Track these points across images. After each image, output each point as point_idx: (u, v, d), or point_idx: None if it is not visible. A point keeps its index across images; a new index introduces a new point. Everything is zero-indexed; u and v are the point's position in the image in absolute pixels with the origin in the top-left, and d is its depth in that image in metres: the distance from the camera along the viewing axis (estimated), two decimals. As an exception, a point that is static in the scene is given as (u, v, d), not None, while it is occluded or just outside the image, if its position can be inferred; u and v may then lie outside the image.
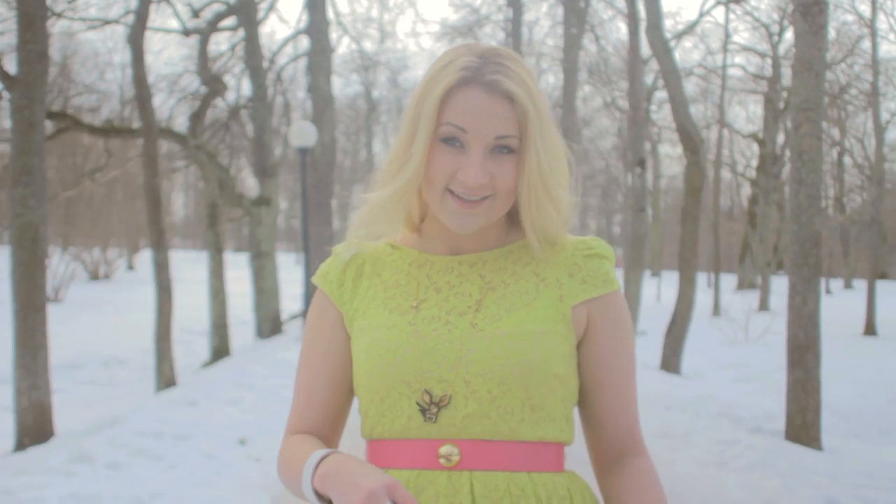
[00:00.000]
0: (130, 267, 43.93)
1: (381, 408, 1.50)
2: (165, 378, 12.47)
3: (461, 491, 1.42)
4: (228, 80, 19.92)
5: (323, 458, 1.36)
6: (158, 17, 18.98)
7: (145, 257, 49.01)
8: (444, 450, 1.45)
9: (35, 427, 8.01)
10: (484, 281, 1.53)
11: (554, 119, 1.56)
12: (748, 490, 5.55)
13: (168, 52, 49.83)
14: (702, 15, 26.51)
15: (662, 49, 12.48)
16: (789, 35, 25.90)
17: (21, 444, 7.95)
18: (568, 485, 1.49)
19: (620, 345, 1.57)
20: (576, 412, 1.59)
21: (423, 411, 1.46)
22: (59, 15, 14.59)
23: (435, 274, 1.56)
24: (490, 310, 1.51)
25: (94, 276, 36.05)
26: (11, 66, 8.78)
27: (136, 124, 24.09)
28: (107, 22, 16.62)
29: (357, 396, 1.57)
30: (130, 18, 14.61)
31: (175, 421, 7.21)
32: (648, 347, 15.99)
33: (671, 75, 12.48)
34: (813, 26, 7.82)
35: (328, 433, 1.58)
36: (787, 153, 23.10)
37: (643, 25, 14.10)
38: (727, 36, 26.84)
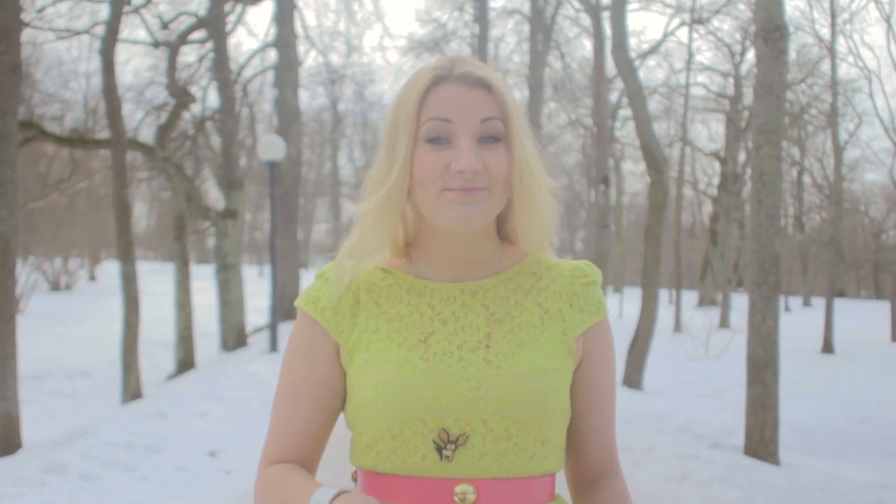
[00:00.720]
0: (92, 277, 43.65)
1: (392, 444, 1.45)
2: (132, 390, 12.49)
3: None
4: (195, 90, 19.94)
5: (336, 496, 1.32)
6: (127, 27, 18.92)
7: (107, 268, 48.69)
8: (459, 489, 1.43)
9: (3, 438, 8.02)
10: (489, 312, 1.51)
11: (531, 131, 1.56)
12: (708, 503, 5.72)
13: (134, 63, 49.53)
14: (666, 35, 26.96)
15: (627, 69, 12.73)
16: (751, 55, 26.36)
17: (-12, 456, 7.97)
18: None
19: (608, 369, 1.60)
20: None
21: (440, 450, 1.44)
22: (29, 25, 14.57)
23: (437, 304, 1.52)
24: (501, 345, 1.49)
25: (56, 287, 35.80)
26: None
27: (100, 134, 24.08)
28: (77, 33, 16.62)
29: (353, 430, 1.52)
30: (100, 29, 14.62)
31: (145, 433, 7.26)
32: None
33: (636, 95, 12.72)
34: (774, 51, 8.07)
35: (307, 462, 1.53)
36: (749, 171, 23.46)
37: (609, 45, 14.35)
38: (690, 55, 27.23)
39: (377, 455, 1.47)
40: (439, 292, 1.52)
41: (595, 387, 1.57)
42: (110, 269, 47.77)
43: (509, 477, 1.44)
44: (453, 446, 1.43)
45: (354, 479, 1.58)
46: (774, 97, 8.08)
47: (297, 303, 1.58)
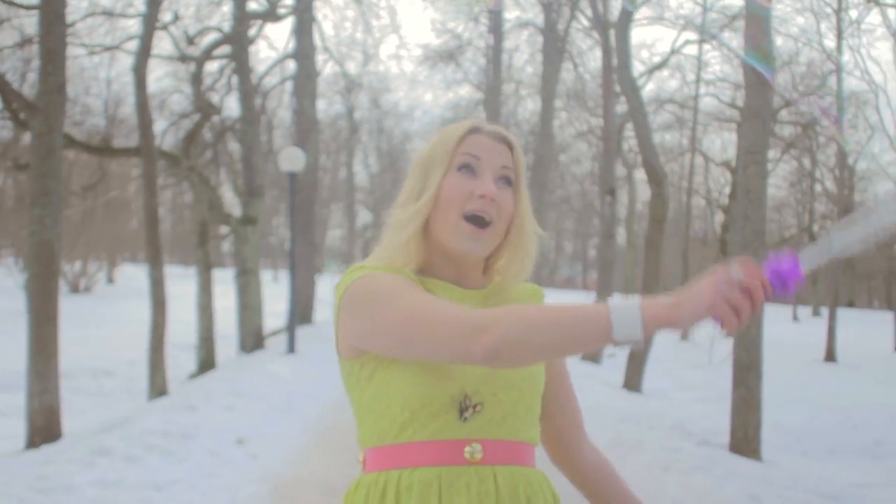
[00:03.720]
0: (110, 280, 44.22)
1: (419, 414, 1.71)
2: (158, 387, 13.16)
3: (487, 481, 1.68)
4: (215, 98, 20.57)
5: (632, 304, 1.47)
6: (155, 41, 19.63)
7: (125, 271, 49.33)
8: (468, 448, 1.70)
9: (45, 428, 8.72)
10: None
11: (527, 194, 1.91)
12: (684, 489, 6.37)
13: (155, 73, 50.17)
14: (672, 52, 27.41)
15: (630, 88, 13.36)
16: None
17: (32, 444, 8.65)
18: (544, 475, 1.83)
19: (567, 375, 2.03)
20: None
21: (462, 412, 1.71)
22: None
23: (458, 300, 1.77)
24: None
25: (75, 289, 36.29)
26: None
27: (119, 140, 24.73)
28: (109, 48, 17.33)
29: (376, 408, 1.75)
30: (131, 45, 15.31)
31: (178, 422, 7.95)
32: (616, 368, 16.56)
33: (638, 112, 13.35)
34: (760, 77, 8.69)
35: None
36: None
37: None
38: (700, 68, 27.62)
39: (399, 426, 1.72)
40: (456, 293, 1.81)
41: (559, 373, 1.99)
42: (128, 273, 48.45)
43: (508, 439, 1.74)
44: (471, 410, 1.72)
45: (362, 462, 1.81)
46: (760, 120, 8.72)
47: (370, 271, 1.77)
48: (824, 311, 45.49)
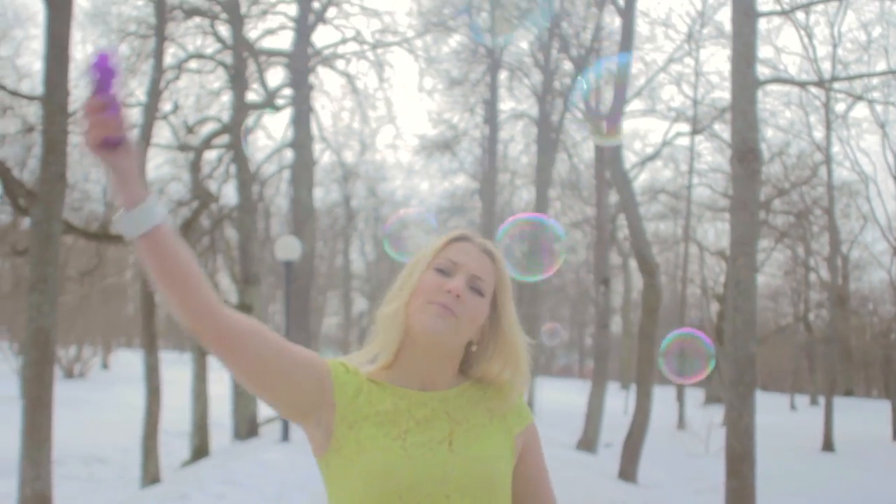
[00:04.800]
0: (105, 366, 44.10)
1: None
2: (150, 475, 13.10)
3: None
4: (212, 185, 20.81)
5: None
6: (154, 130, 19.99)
7: (120, 356, 49.15)
8: None
9: (37, 516, 8.69)
10: (450, 417, 1.91)
11: (514, 309, 2.02)
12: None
13: (155, 160, 50.71)
14: (665, 143, 27.82)
15: (622, 181, 13.58)
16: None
17: (22, 532, 8.61)
18: None
19: (542, 457, 2.07)
20: None
21: None
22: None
23: (413, 408, 1.89)
24: (461, 440, 1.90)
25: (70, 375, 36.18)
26: None
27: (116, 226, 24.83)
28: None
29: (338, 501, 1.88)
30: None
31: (170, 511, 7.94)
32: (611, 458, 16.47)
33: (629, 204, 13.55)
34: (748, 171, 8.88)
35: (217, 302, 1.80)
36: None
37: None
38: (692, 158, 27.97)
39: None
40: (415, 398, 1.92)
41: (538, 471, 2.04)
42: (123, 358, 48.25)
43: None
44: None
45: None
46: (749, 213, 8.88)
47: (326, 360, 1.93)
48: (822, 399, 45.26)
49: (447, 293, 1.89)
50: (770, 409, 38.56)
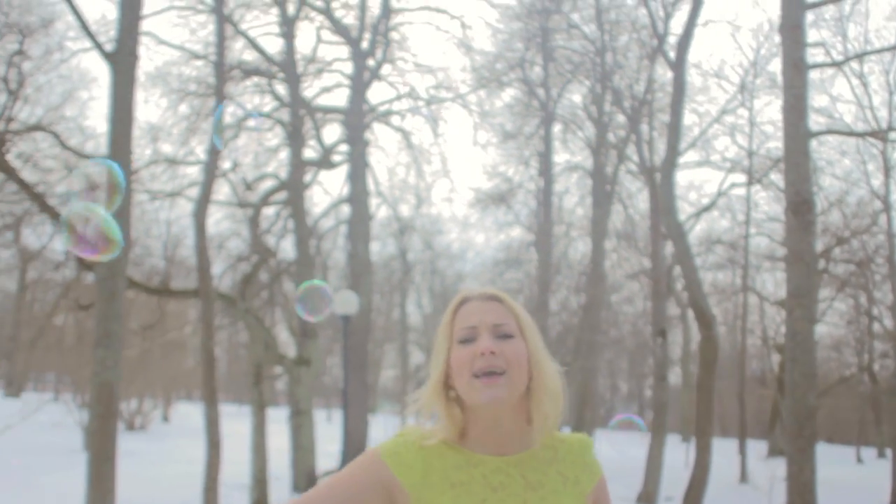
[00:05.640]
0: (165, 418, 44.57)
1: None
2: (209, 528, 13.24)
3: None
4: (270, 240, 21.13)
5: None
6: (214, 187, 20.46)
7: (180, 409, 49.66)
8: None
9: (99, 568, 8.86)
10: (525, 481, 1.96)
11: (538, 334, 2.07)
12: None
13: (215, 216, 51.59)
14: (719, 194, 27.68)
15: (677, 233, 13.57)
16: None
17: (86, 583, 8.78)
18: None
19: None
20: None
21: None
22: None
23: (489, 474, 1.94)
24: None
25: (131, 427, 36.61)
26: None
27: (177, 280, 25.33)
28: (171, 195, 18.05)
29: None
30: (192, 191, 15.88)
31: (230, 564, 8.02)
32: (672, 513, 16.31)
33: (685, 256, 13.53)
34: (802, 223, 8.89)
35: None
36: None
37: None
38: (749, 208, 27.76)
39: None
40: (490, 465, 1.96)
41: None
42: (183, 411, 48.74)
43: None
44: None
45: None
46: (804, 264, 8.87)
47: (380, 451, 1.97)
48: (889, 452, 44.13)
49: (481, 356, 1.94)
50: (835, 462, 37.72)
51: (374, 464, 1.94)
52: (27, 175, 17.01)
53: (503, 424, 1.97)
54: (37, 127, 16.42)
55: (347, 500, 1.90)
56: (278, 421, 24.62)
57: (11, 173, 14.04)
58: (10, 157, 16.95)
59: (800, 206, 8.86)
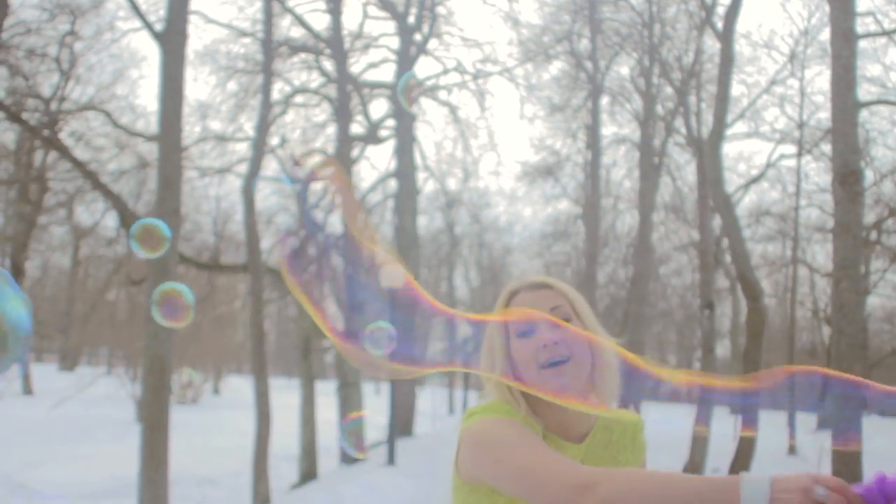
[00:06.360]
0: (216, 391, 45.22)
1: None
2: (261, 497, 13.48)
3: None
4: (319, 215, 21.30)
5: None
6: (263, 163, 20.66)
7: (230, 382, 50.32)
8: None
9: (155, 534, 9.11)
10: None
11: (591, 311, 2.07)
12: None
13: (263, 191, 51.99)
14: (769, 165, 27.38)
15: (724, 204, 13.49)
16: (867, 175, 26.33)
17: (142, 549, 9.02)
18: None
19: None
20: None
21: None
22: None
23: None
24: None
25: (182, 400, 37.24)
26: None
27: (226, 255, 25.64)
28: (220, 171, 18.26)
29: None
30: (241, 167, 16.04)
31: (280, 531, 8.22)
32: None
33: (732, 228, 13.46)
34: (850, 194, 8.82)
35: None
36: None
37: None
38: (799, 179, 27.48)
39: None
40: (569, 451, 2.00)
41: None
42: (234, 384, 49.38)
43: None
44: None
45: None
46: (851, 236, 8.80)
47: (489, 413, 1.96)
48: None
49: (544, 348, 1.95)
50: (888, 434, 37.28)
51: (508, 421, 1.93)
52: (79, 153, 17.31)
53: (570, 409, 1.97)
54: (88, 106, 16.71)
55: (534, 435, 1.88)
56: (327, 394, 24.91)
57: (65, 152, 14.29)
58: (63, 136, 17.27)
59: (847, 176, 8.78)
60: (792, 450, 27.81)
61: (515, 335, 2.00)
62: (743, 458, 13.76)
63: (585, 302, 2.10)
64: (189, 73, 23.78)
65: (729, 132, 23.30)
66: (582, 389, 1.99)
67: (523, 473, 1.76)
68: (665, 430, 33.26)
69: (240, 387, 44.52)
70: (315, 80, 22.16)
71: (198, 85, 33.28)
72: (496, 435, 1.88)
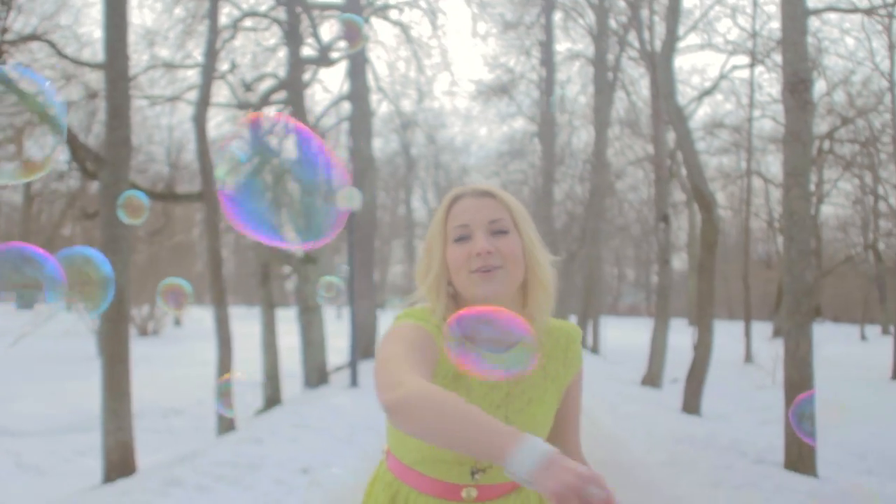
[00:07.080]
0: (177, 323, 45.13)
1: (429, 459, 2.01)
2: (226, 423, 13.56)
3: None
4: (272, 142, 21.12)
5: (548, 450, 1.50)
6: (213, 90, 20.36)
7: (192, 313, 50.16)
8: (465, 491, 2.02)
9: (121, 463, 9.15)
10: None
11: (533, 225, 2.10)
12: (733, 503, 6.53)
13: (215, 119, 51.40)
14: (722, 77, 27.45)
15: (677, 117, 13.54)
16: (819, 85, 26.48)
17: (109, 478, 9.07)
18: (536, 495, 2.09)
19: (579, 396, 2.21)
20: None
21: (473, 474, 2.01)
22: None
23: None
24: (515, 403, 2.04)
25: (143, 333, 37.18)
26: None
27: (181, 185, 25.40)
28: (170, 100, 17.97)
29: (397, 435, 2.06)
30: (191, 94, 15.82)
31: (245, 454, 8.30)
32: (676, 394, 16.55)
33: (685, 140, 13.52)
34: (799, 101, 8.88)
35: None
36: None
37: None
38: (752, 91, 27.59)
39: (414, 460, 2.04)
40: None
41: (573, 413, 2.21)
42: (195, 315, 49.28)
43: (502, 482, 2.04)
44: (481, 473, 2.02)
45: (385, 454, 2.16)
46: (801, 144, 8.88)
47: (410, 321, 2.00)
48: (893, 328, 44.57)
49: (477, 256, 1.99)
50: (840, 340, 38.25)
51: (413, 325, 1.98)
52: (25, 85, 16.89)
53: None
54: (32, 37, 16.28)
55: (421, 345, 1.91)
56: (288, 320, 24.96)
57: (9, 84, 13.98)
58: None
59: (797, 85, 8.82)
60: (748, 358, 28.43)
61: (452, 239, 2.05)
62: (699, 365, 14.02)
63: (528, 216, 2.12)
64: (134, 0, 23.33)
65: (682, 44, 23.32)
66: (512, 299, 2.05)
67: (377, 362, 1.83)
68: (625, 343, 33.87)
69: (201, 317, 44.44)
70: (264, 2, 21.78)
71: (143, 12, 32.54)
72: (389, 335, 1.95)
